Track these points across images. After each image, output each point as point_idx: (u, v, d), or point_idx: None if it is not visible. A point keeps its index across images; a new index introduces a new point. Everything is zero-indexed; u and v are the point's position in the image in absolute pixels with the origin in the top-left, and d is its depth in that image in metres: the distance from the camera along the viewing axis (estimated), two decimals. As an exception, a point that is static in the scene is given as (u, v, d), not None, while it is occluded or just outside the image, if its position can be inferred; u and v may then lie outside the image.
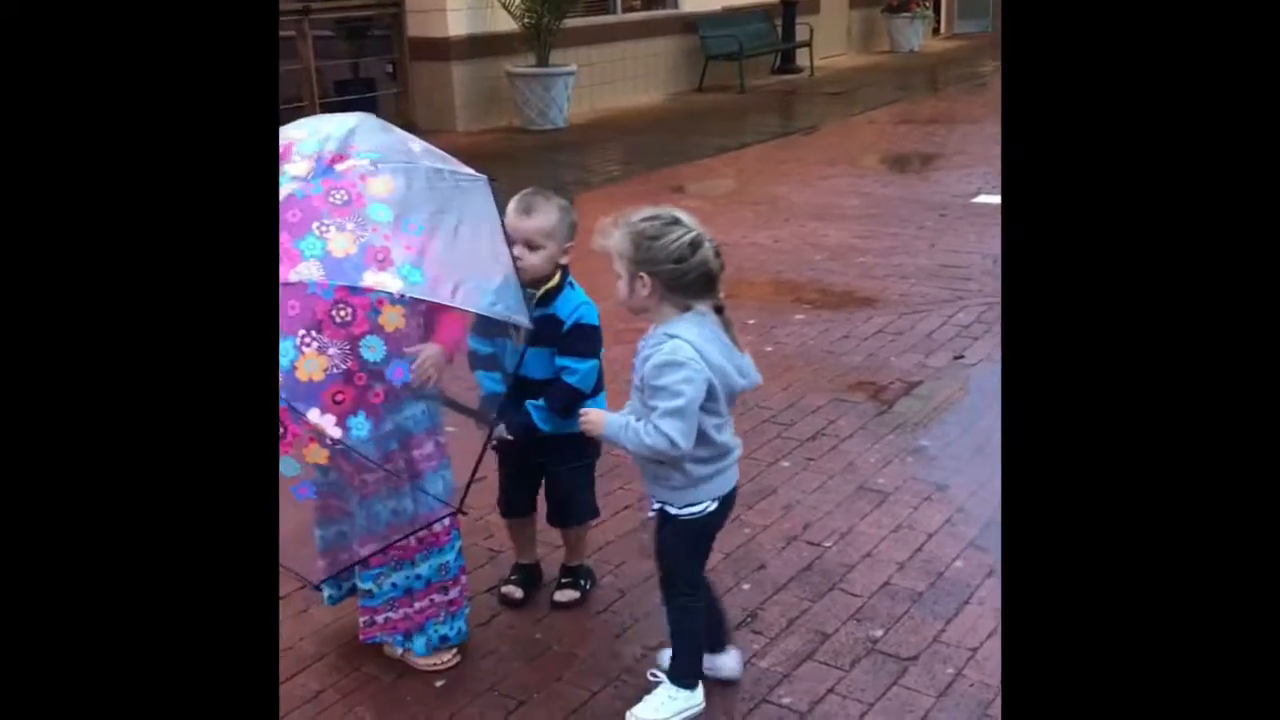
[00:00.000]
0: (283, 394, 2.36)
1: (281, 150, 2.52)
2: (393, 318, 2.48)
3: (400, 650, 2.94)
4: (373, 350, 2.46)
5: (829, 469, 4.05)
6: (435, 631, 2.92)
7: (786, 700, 2.80)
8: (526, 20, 11.39)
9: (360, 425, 2.48)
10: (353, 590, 2.95)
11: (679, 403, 2.44)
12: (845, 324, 5.61)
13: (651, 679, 2.79)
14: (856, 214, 7.88)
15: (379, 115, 2.87)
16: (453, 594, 2.93)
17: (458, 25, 11.53)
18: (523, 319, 2.58)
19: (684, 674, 2.72)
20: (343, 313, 2.42)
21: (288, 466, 2.47)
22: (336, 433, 2.44)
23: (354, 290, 2.40)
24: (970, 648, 2.97)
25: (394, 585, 2.85)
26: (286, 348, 2.38)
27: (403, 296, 2.45)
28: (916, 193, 8.55)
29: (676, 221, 2.49)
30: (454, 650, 2.96)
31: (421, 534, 2.81)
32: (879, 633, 3.06)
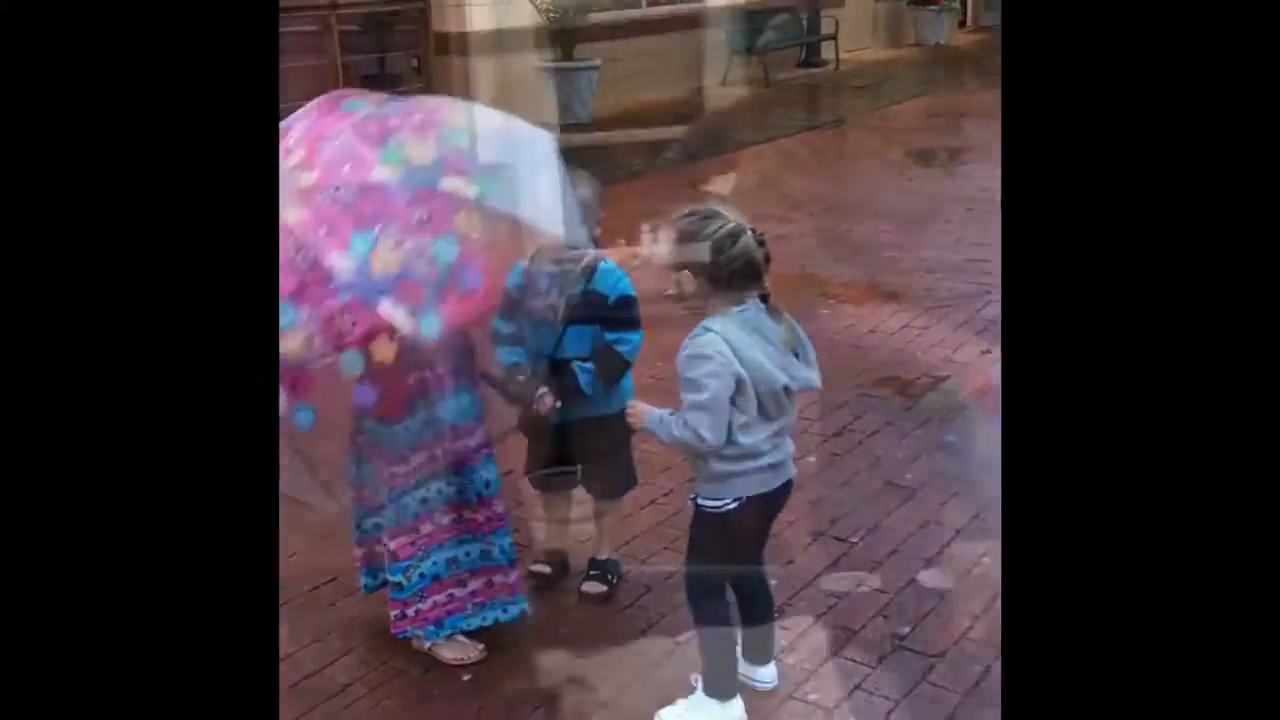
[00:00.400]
0: (355, 287, 2.37)
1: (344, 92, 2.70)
2: (468, 223, 2.49)
3: (428, 644, 2.95)
4: (447, 251, 2.45)
5: (855, 464, 4.04)
6: (490, 614, 2.94)
7: (813, 696, 2.80)
8: (551, 14, 11.40)
9: (432, 324, 2.44)
10: (385, 583, 2.97)
11: (703, 397, 2.44)
12: (871, 318, 5.59)
13: (693, 684, 2.76)
14: (882, 208, 7.84)
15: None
16: (512, 578, 2.97)
17: (482, 20, 11.54)
18: (589, 247, 2.67)
19: (713, 685, 2.69)
20: (420, 213, 2.43)
21: (353, 364, 2.47)
22: (408, 325, 2.41)
23: (432, 191, 2.44)
24: (998, 644, 2.95)
25: (421, 576, 2.86)
26: (364, 241, 2.38)
27: (479, 201, 2.47)
28: (942, 187, 8.51)
29: (715, 215, 2.51)
30: (481, 646, 2.97)
31: (470, 517, 2.85)
32: (906, 629, 3.05)
